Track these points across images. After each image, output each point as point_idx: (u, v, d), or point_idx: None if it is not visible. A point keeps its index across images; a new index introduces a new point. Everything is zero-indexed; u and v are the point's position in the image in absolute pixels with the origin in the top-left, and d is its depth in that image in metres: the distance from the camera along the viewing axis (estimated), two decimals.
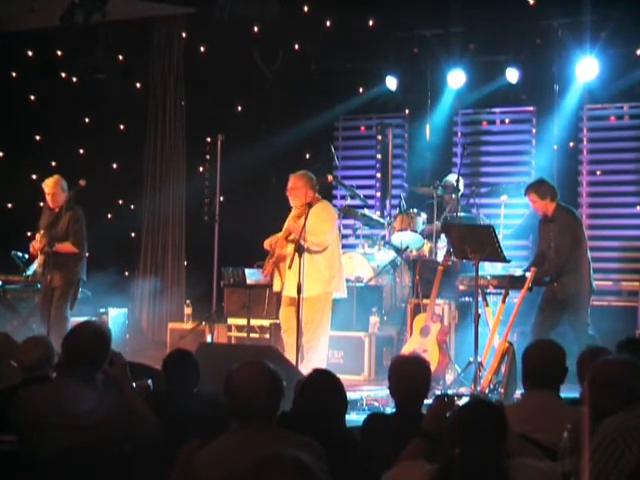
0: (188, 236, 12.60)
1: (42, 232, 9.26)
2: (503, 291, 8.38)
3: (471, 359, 8.17)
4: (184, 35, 12.46)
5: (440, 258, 9.18)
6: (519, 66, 10.80)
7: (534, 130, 11.51)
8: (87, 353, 4.35)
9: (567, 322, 8.40)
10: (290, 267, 7.85)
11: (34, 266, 10.45)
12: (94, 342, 4.39)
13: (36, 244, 9.25)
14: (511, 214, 10.85)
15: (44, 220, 9.45)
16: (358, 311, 9.97)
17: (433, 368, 7.77)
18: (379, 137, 12.08)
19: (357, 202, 11.33)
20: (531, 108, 11.51)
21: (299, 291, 7.84)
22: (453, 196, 10.33)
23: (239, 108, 12.41)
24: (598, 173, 11.26)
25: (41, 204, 12.27)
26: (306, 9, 11.20)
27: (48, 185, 9.44)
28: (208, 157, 12.39)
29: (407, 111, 12.12)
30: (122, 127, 12.79)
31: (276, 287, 8.64)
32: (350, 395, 5.65)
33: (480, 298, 8.35)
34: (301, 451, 3.36)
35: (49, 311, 9.22)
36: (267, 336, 10.00)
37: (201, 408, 4.77)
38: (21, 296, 10.82)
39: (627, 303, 9.73)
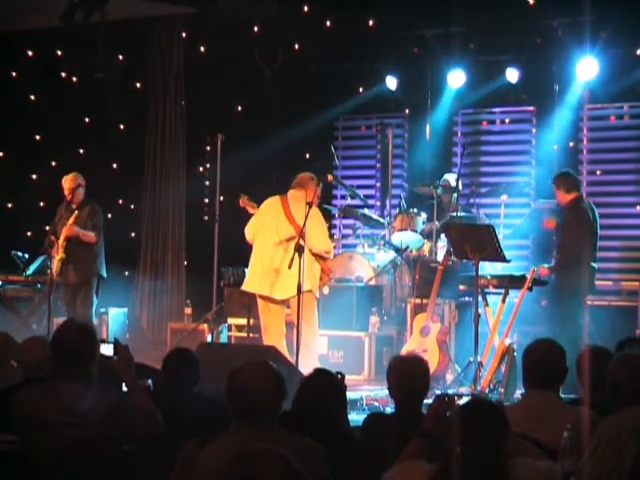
0: (188, 236, 12.60)
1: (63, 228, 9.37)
2: (503, 291, 8.40)
3: (471, 359, 8.19)
4: (184, 35, 12.46)
5: (440, 258, 9.19)
6: (519, 66, 10.79)
7: (534, 130, 11.51)
8: (75, 351, 4.35)
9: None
10: (290, 267, 7.85)
11: (37, 263, 10.48)
12: (79, 339, 4.39)
13: (59, 246, 9.32)
14: (511, 214, 10.86)
15: (58, 219, 9.50)
16: (358, 311, 9.97)
17: (433, 368, 7.82)
18: (379, 137, 12.08)
19: (357, 202, 11.33)
20: (531, 108, 11.51)
21: (299, 290, 7.85)
22: (454, 195, 10.33)
23: (239, 108, 12.41)
24: (598, 173, 11.27)
25: (41, 204, 12.35)
26: (306, 9, 11.20)
27: (68, 180, 9.54)
28: (208, 157, 12.39)
29: (407, 111, 12.13)
30: (122, 127, 12.79)
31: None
32: (350, 395, 5.66)
33: (480, 298, 8.36)
34: (301, 451, 3.37)
35: (74, 309, 9.33)
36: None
37: (201, 407, 4.77)
38: (21, 296, 10.82)
39: (627, 303, 9.72)
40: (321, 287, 8.77)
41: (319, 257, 8.49)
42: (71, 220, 9.34)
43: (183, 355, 5.18)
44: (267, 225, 8.55)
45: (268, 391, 3.61)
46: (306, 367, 7.20)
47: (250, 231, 8.71)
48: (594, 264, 8.66)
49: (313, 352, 8.41)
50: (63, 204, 9.61)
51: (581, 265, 8.48)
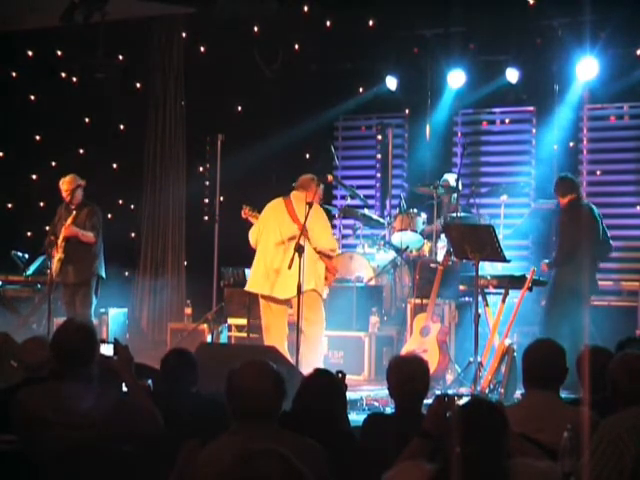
0: (188, 236, 12.60)
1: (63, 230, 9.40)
2: (503, 291, 8.41)
3: (471, 359, 8.19)
4: (184, 35, 12.46)
5: (440, 258, 9.19)
6: (519, 66, 10.80)
7: (534, 130, 11.52)
8: (75, 351, 4.36)
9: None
10: (290, 267, 7.86)
11: (37, 263, 10.49)
12: (79, 339, 4.40)
13: (58, 246, 9.35)
14: (511, 214, 10.86)
15: (58, 219, 9.53)
16: (358, 311, 9.97)
17: (433, 368, 7.82)
18: (379, 137, 12.08)
19: (357, 202, 11.33)
20: (531, 108, 11.51)
21: (299, 290, 7.85)
22: (453, 195, 10.34)
23: (239, 108, 12.41)
24: (598, 173, 11.27)
25: (41, 204, 12.35)
26: (306, 9, 11.19)
27: (65, 182, 9.56)
28: (208, 157, 12.39)
29: (407, 111, 12.13)
30: (122, 127, 12.79)
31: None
32: (350, 395, 5.66)
33: (480, 298, 8.36)
34: (301, 451, 3.37)
35: (74, 309, 9.37)
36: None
37: (200, 407, 4.77)
38: (21, 296, 10.82)
39: (627, 303, 9.73)
40: (327, 286, 8.78)
41: (324, 255, 8.50)
42: (69, 220, 9.36)
43: (181, 356, 5.18)
44: (270, 226, 8.56)
45: (268, 391, 3.61)
46: (309, 367, 7.20)
47: (253, 236, 8.70)
48: (594, 263, 8.71)
49: (314, 351, 8.41)
50: (63, 205, 9.64)
51: (577, 264, 8.52)
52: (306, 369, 7.03)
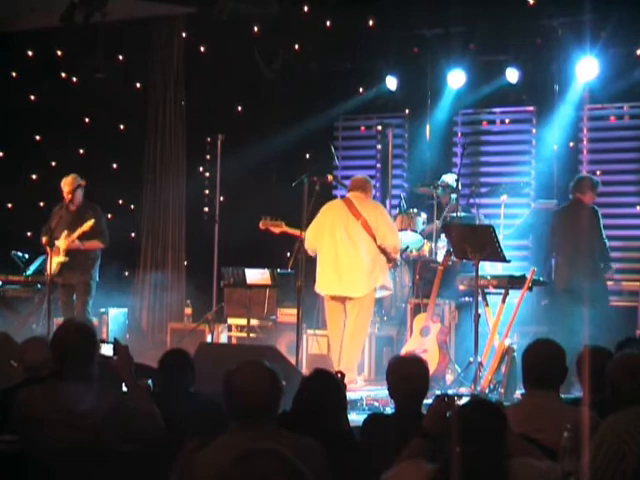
0: (188, 236, 12.60)
1: (66, 233, 9.38)
2: (503, 291, 8.41)
3: (471, 359, 8.19)
4: (184, 35, 12.45)
5: (440, 258, 9.19)
6: (519, 66, 10.79)
7: (534, 130, 11.51)
8: (75, 351, 4.36)
9: None
10: (290, 267, 7.88)
11: (37, 263, 10.49)
12: (78, 339, 4.40)
13: (61, 245, 9.35)
14: (511, 214, 10.86)
15: (57, 220, 9.49)
16: None
17: (433, 368, 7.82)
18: (379, 137, 12.08)
19: None
20: (531, 108, 11.51)
21: (299, 290, 7.87)
22: (453, 196, 10.34)
23: (239, 108, 12.41)
24: (598, 173, 11.23)
25: (41, 204, 12.35)
26: (306, 9, 11.19)
27: (67, 183, 9.56)
28: (208, 157, 12.39)
29: (407, 111, 12.12)
30: (122, 127, 12.79)
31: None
32: (350, 395, 5.66)
33: (480, 298, 8.36)
34: (301, 451, 3.37)
35: (71, 310, 9.40)
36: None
37: (198, 408, 4.77)
38: (21, 296, 10.82)
39: (627, 303, 9.73)
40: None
41: (383, 251, 8.66)
42: (75, 235, 9.38)
43: (178, 356, 5.18)
44: (336, 227, 8.65)
45: (265, 391, 3.61)
46: (346, 370, 7.23)
47: (311, 238, 8.73)
48: (594, 263, 8.78)
49: (356, 364, 8.69)
50: (61, 205, 9.64)
51: (574, 262, 8.60)
52: (345, 370, 7.06)
